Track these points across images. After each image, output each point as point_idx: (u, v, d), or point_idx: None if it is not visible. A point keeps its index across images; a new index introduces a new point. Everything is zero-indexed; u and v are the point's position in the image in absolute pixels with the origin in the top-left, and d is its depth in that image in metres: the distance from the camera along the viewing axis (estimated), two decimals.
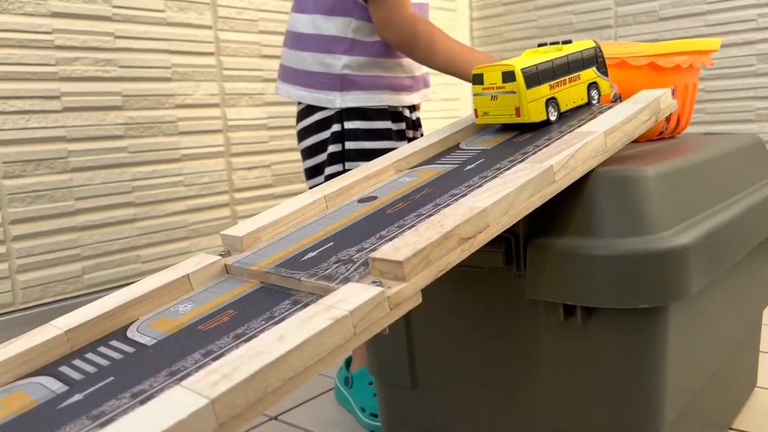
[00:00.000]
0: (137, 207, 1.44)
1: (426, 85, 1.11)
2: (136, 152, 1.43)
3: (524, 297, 0.64)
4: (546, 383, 0.67)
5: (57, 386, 0.44)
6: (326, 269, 0.52)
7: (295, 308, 0.49)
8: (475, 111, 0.78)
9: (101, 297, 0.51)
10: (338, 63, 0.99)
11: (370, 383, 1.05)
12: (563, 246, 0.61)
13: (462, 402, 0.76)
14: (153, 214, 1.46)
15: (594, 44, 0.81)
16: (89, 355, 0.48)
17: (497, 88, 0.76)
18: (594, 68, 0.81)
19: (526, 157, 0.65)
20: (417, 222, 0.57)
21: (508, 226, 0.54)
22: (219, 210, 1.59)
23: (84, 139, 1.34)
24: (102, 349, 0.49)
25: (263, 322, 0.47)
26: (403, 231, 0.55)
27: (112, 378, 0.44)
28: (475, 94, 0.78)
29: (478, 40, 2.38)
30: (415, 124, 1.11)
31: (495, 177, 0.61)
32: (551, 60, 0.77)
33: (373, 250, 0.53)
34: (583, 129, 0.67)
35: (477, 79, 0.77)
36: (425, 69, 1.08)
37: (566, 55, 0.78)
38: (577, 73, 0.79)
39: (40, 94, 1.28)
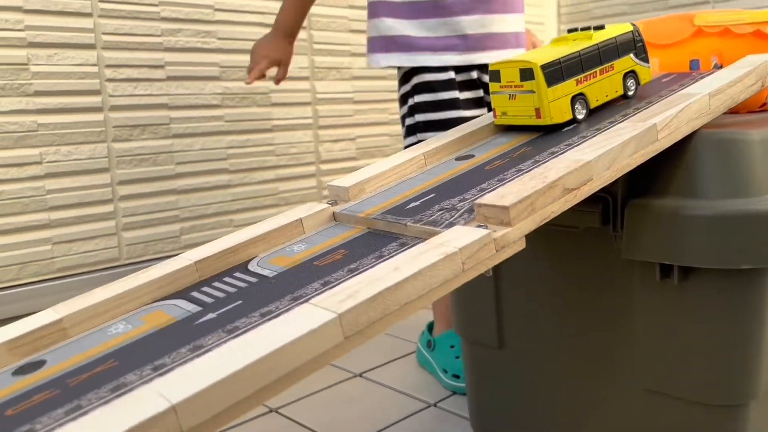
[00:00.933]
0: (231, 174, 1.51)
1: (499, 45, 1.07)
2: (231, 121, 1.50)
3: (620, 257, 0.65)
4: (638, 345, 0.68)
5: (191, 307, 0.49)
6: (430, 216, 0.55)
7: (403, 249, 0.52)
8: (493, 110, 0.74)
9: None
10: None
11: (452, 346, 1.08)
12: (663, 206, 0.61)
13: (550, 363, 0.77)
14: (245, 181, 1.54)
15: (631, 28, 0.74)
16: (216, 284, 0.53)
17: (515, 86, 0.69)
18: (631, 55, 0.73)
19: (627, 118, 0.65)
20: (517, 176, 0.59)
21: (610, 181, 0.56)
22: (306, 180, 1.65)
23: (185, 107, 1.42)
24: (227, 279, 0.53)
25: (374, 260, 0.51)
26: (504, 184, 0.57)
27: (240, 301, 0.48)
28: (492, 93, 0.73)
29: (565, 17, 2.33)
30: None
31: (595, 136, 0.62)
32: (578, 51, 0.69)
33: (475, 200, 0.56)
34: (685, 91, 0.66)
35: (493, 76, 0.72)
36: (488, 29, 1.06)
37: (597, 44, 0.71)
38: (610, 63, 0.72)
39: (146, 63, 1.36)
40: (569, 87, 0.69)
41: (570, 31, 0.75)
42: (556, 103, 0.68)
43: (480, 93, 1.08)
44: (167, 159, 1.41)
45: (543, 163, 0.60)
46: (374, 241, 0.55)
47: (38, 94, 1.23)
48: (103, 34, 1.30)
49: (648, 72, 0.75)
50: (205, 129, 1.46)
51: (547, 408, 0.79)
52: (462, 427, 0.92)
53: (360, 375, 1.10)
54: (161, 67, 1.38)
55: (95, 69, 1.29)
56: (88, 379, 0.41)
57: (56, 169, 1.26)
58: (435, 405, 1.00)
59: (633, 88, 0.74)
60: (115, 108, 1.32)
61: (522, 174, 0.59)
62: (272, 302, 0.47)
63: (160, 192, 1.40)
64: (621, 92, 0.73)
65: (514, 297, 0.79)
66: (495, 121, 0.74)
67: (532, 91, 0.67)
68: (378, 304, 0.41)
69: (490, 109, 1.08)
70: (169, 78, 1.39)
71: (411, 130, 1.07)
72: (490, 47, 1.06)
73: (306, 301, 0.45)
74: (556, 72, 0.68)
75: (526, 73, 0.68)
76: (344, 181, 0.64)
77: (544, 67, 0.67)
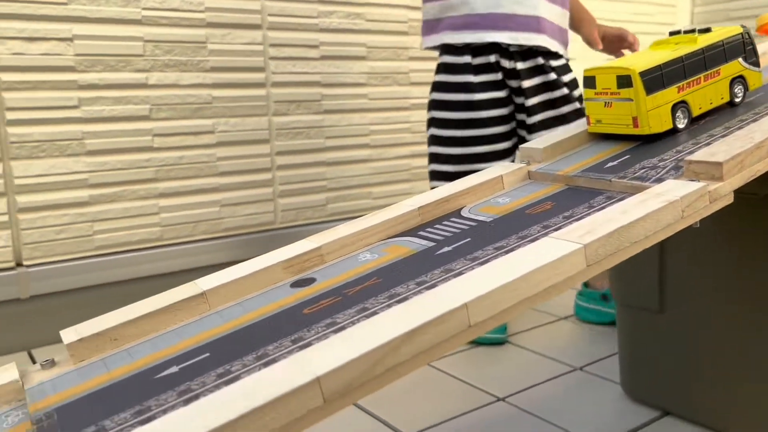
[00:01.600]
0: (372, 149, 1.60)
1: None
2: (374, 99, 1.59)
3: None
4: None
5: (424, 243, 0.57)
6: (634, 173, 0.60)
7: (611, 201, 0.57)
8: (587, 117, 0.71)
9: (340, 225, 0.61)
10: None
11: None
12: None
13: (711, 328, 0.80)
14: (383, 156, 1.63)
15: (741, 30, 0.70)
16: (438, 226, 0.60)
17: (611, 93, 0.66)
18: (740, 59, 0.70)
19: (730, 131, 0.65)
20: (711, 141, 0.62)
21: None
22: None
23: (335, 84, 1.52)
24: (446, 222, 0.61)
25: (585, 209, 0.57)
26: (700, 147, 0.62)
27: (469, 239, 0.55)
28: (586, 99, 0.70)
29: (699, 16, 2.27)
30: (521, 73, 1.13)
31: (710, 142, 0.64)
32: (681, 56, 0.66)
33: (674, 160, 0.60)
34: None
35: (588, 82, 0.69)
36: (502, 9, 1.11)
37: (702, 48, 0.67)
38: (716, 68, 0.68)
39: (304, 43, 1.47)
40: (670, 94, 0.66)
41: (672, 33, 0.72)
42: (655, 112, 0.65)
43: (499, 76, 1.13)
44: (318, 133, 1.51)
45: (734, 130, 0.63)
46: (578, 195, 0.61)
47: (213, 69, 1.36)
48: (269, 15, 1.41)
49: (758, 77, 0.71)
50: (351, 106, 1.55)
51: (707, 371, 0.82)
52: (611, 390, 0.97)
53: (507, 340, 1.16)
54: (316, 47, 1.49)
55: (261, 48, 1.41)
56: (361, 291, 0.49)
57: (225, 138, 1.39)
58: (581, 369, 1.05)
59: (740, 94, 0.71)
60: (276, 84, 1.44)
61: (716, 139, 0.63)
62: (500, 240, 0.54)
63: (311, 163, 1.51)
64: (727, 99, 0.70)
65: (679, 262, 0.83)
66: (588, 128, 0.71)
67: (630, 99, 0.64)
68: (614, 239, 0.47)
69: (510, 92, 1.15)
70: (323, 57, 1.50)
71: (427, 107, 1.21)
72: (505, 27, 1.10)
73: (533, 241, 0.52)
74: (656, 79, 0.64)
75: (624, 80, 0.64)
76: (537, 143, 0.70)
77: (643, 74, 0.64)
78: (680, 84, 0.66)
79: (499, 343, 1.15)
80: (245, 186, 1.43)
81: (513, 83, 1.14)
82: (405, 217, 0.61)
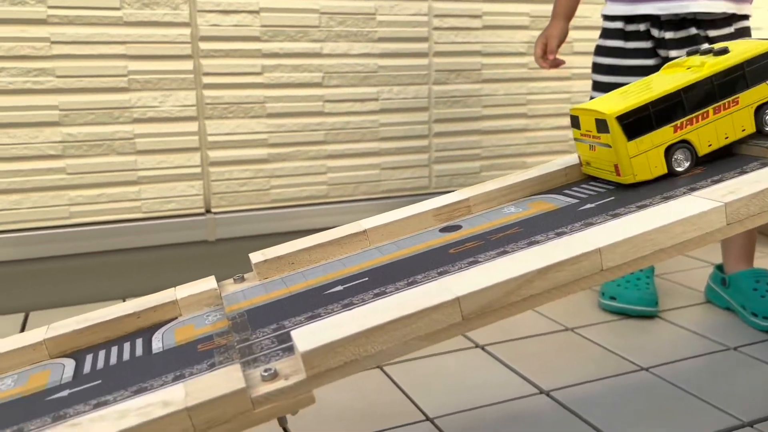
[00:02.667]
0: (529, 119, 1.61)
1: None
2: (534, 69, 1.59)
3: None
4: None
5: (568, 200, 0.60)
6: None
7: (764, 167, 0.57)
8: (579, 157, 0.65)
9: None
10: None
11: (755, 289, 1.08)
12: None
13: None
14: (541, 126, 1.63)
15: None
16: (584, 186, 0.63)
17: (593, 137, 0.60)
18: None
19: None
20: None
21: None
22: None
23: (495, 54, 1.55)
24: (592, 183, 0.63)
25: (736, 174, 0.56)
26: None
27: (612, 198, 0.58)
28: (574, 139, 0.64)
29: None
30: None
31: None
32: (679, 89, 0.57)
33: None
34: None
35: (573, 122, 0.63)
36: None
37: (710, 77, 0.58)
38: (733, 97, 0.58)
39: (467, 13, 1.51)
40: (662, 136, 0.58)
41: (690, 53, 0.63)
42: (641, 158, 0.58)
43: (648, 44, 1.13)
44: (476, 102, 1.55)
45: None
46: (733, 161, 0.60)
47: (381, 40, 1.44)
48: None
49: None
50: (510, 75, 1.57)
51: None
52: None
53: (659, 315, 1.15)
54: (479, 17, 1.52)
55: (425, 18, 1.47)
56: (502, 237, 0.54)
57: (388, 105, 1.48)
58: (735, 349, 1.01)
59: None
60: (438, 54, 1.50)
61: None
62: (644, 199, 0.56)
63: (467, 132, 1.56)
64: (752, 129, 0.60)
65: None
66: (582, 169, 0.66)
67: (609, 145, 0.58)
68: (758, 200, 0.47)
69: (661, 62, 1.11)
70: (485, 27, 1.53)
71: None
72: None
73: (679, 196, 0.53)
74: (641, 120, 0.57)
75: (601, 125, 0.58)
76: None
77: (621, 117, 0.57)
78: (679, 121, 0.58)
79: (650, 316, 1.13)
80: (403, 151, 1.51)
81: (662, 53, 1.14)
82: (551, 176, 0.64)
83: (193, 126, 1.33)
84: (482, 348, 1.04)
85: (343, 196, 1.48)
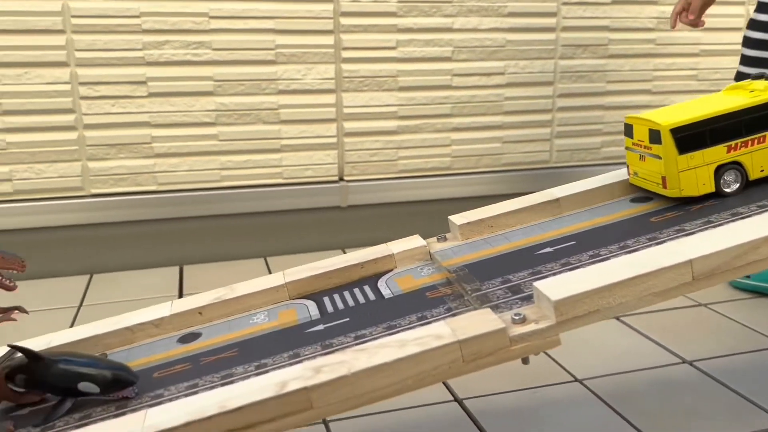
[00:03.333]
0: (653, 95, 1.60)
1: None
2: (662, 44, 1.58)
3: None
4: None
5: None
6: None
7: None
8: (628, 167, 0.64)
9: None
10: None
11: None
12: None
13: None
14: (666, 102, 1.61)
15: None
16: None
17: (644, 147, 0.60)
18: None
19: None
20: None
21: None
22: None
23: (623, 29, 1.54)
24: None
25: None
26: None
27: None
28: (626, 147, 0.64)
29: None
30: None
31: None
32: (737, 110, 0.56)
33: None
34: None
35: (627, 130, 0.63)
36: None
37: (755, 106, 0.57)
38: None
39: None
40: (715, 154, 0.58)
41: (756, 78, 0.62)
42: (690, 173, 0.58)
43: None
44: (600, 77, 1.56)
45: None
46: None
47: (510, 15, 1.47)
48: None
49: None
50: (637, 51, 1.56)
51: None
52: None
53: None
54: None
55: None
56: (703, 208, 0.57)
57: (513, 80, 1.51)
58: None
59: None
60: (565, 29, 1.51)
61: None
62: None
63: (590, 107, 1.57)
64: None
65: None
66: (629, 179, 0.65)
67: (659, 156, 0.58)
68: None
69: None
70: (614, 2, 1.52)
71: None
72: None
73: None
74: (695, 136, 0.57)
75: (655, 135, 0.58)
76: None
77: (676, 130, 0.57)
78: (733, 142, 0.57)
79: None
80: (526, 125, 1.54)
81: None
82: None
83: (331, 98, 1.40)
84: (617, 319, 1.07)
85: (466, 168, 1.52)
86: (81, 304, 1.18)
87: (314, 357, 0.48)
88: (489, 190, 1.53)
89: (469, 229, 0.63)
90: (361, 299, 0.57)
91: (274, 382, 0.43)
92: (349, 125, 1.42)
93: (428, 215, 1.50)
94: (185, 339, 0.56)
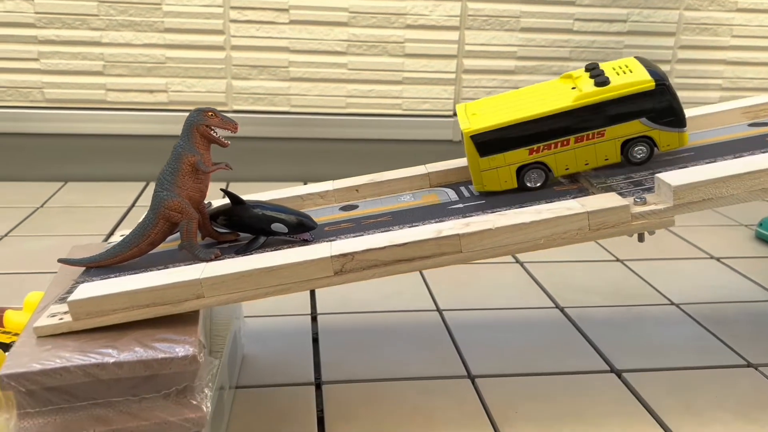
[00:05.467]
0: None
1: None
2: None
3: None
4: None
5: None
6: None
7: None
8: None
9: None
10: None
11: None
12: None
13: None
14: None
15: (652, 85, 0.58)
16: None
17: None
18: (644, 119, 0.59)
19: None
20: None
21: None
22: None
23: None
24: None
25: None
26: None
27: None
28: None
29: None
30: None
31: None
32: (543, 116, 0.58)
33: None
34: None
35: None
36: None
37: (578, 108, 0.58)
38: (599, 129, 0.59)
39: None
40: (517, 156, 0.60)
41: (589, 68, 0.62)
42: (492, 173, 0.61)
43: None
44: (725, 31, 1.54)
45: None
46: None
47: None
48: None
49: (675, 137, 0.60)
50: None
51: None
52: None
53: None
54: None
55: None
56: None
57: (635, 28, 1.52)
58: None
59: (640, 156, 0.60)
60: None
61: None
62: None
63: (711, 60, 1.56)
64: (615, 160, 0.61)
65: None
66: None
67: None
68: None
69: None
70: None
71: None
72: None
73: None
74: (496, 141, 0.60)
75: (464, 135, 0.61)
76: None
77: (476, 137, 0.60)
78: (536, 145, 0.60)
79: None
80: None
81: None
82: None
83: (454, 35, 1.48)
84: (719, 260, 1.11)
85: None
86: None
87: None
88: None
89: None
90: None
91: (432, 229, 0.53)
92: (468, 62, 1.50)
93: None
94: (345, 208, 0.68)
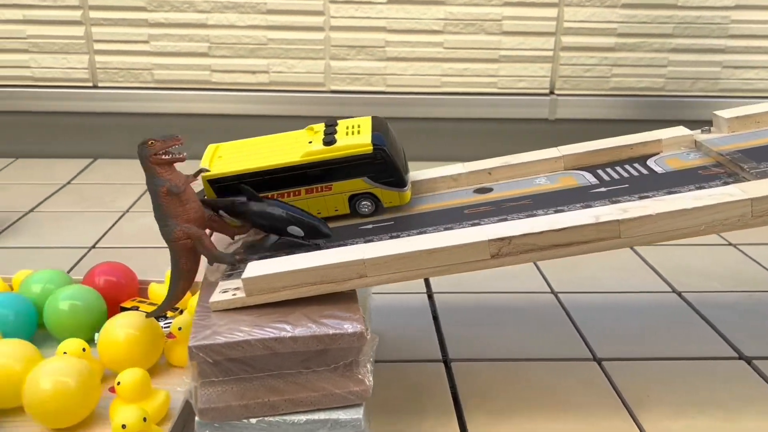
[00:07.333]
0: None
1: None
2: None
3: None
4: None
5: None
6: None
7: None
8: None
9: None
10: None
11: None
12: None
13: None
14: None
15: (370, 149, 0.61)
16: None
17: None
18: (366, 178, 0.63)
19: None
20: None
21: None
22: None
23: None
24: None
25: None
26: None
27: None
28: None
29: None
30: None
31: None
32: (274, 168, 0.62)
33: None
34: None
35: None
36: None
37: (305, 164, 0.62)
38: (326, 184, 0.63)
39: None
40: None
41: (327, 124, 0.66)
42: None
43: None
44: None
45: None
46: None
47: None
48: None
49: (396, 196, 0.65)
50: None
51: None
52: None
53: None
54: None
55: None
56: None
57: (742, 2, 1.45)
58: None
59: (366, 210, 0.65)
60: None
61: None
62: None
63: None
64: (345, 211, 0.65)
65: None
66: None
67: None
68: None
69: None
70: None
71: None
72: None
73: None
74: (232, 188, 0.62)
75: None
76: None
77: (213, 181, 0.63)
78: (268, 194, 0.63)
79: None
80: (750, 50, 1.49)
81: None
82: None
83: (553, 12, 1.45)
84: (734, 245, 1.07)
85: (679, 90, 1.52)
86: None
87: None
88: (702, 114, 1.52)
89: (738, 122, 0.68)
90: (634, 173, 0.66)
91: (590, 215, 0.53)
92: (566, 39, 1.47)
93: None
94: (480, 191, 0.69)
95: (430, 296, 0.91)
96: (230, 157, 0.66)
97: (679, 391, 0.70)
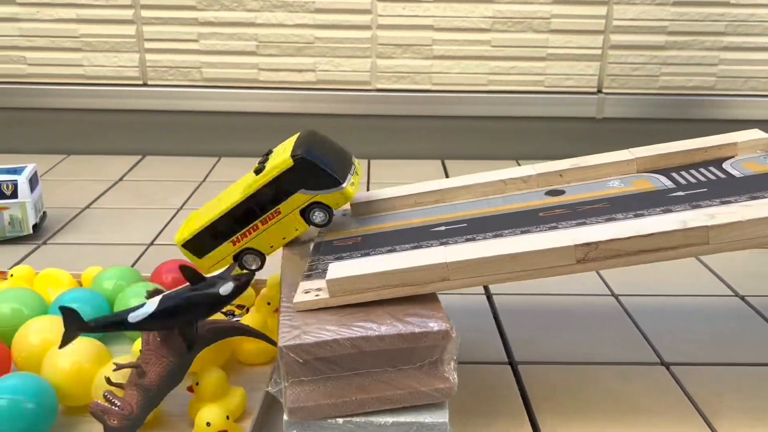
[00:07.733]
0: None
1: None
2: None
3: None
4: None
5: None
6: None
7: None
8: None
9: None
10: None
11: None
12: None
13: None
14: None
15: (290, 162, 0.62)
16: None
17: None
18: (303, 190, 0.63)
19: None
20: None
21: None
22: None
23: None
24: None
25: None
26: None
27: None
28: None
29: None
30: None
31: None
32: (225, 213, 0.65)
33: None
34: None
35: None
36: None
37: (248, 198, 0.64)
38: (274, 209, 0.64)
39: None
40: (225, 250, 0.66)
41: (264, 156, 0.68)
42: (219, 265, 0.67)
43: None
44: None
45: None
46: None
47: None
48: None
49: (338, 197, 0.64)
50: None
51: None
52: None
53: None
54: None
55: None
56: None
57: None
58: None
59: (321, 219, 0.65)
60: None
61: None
62: None
63: None
64: (304, 228, 0.66)
65: None
66: None
67: None
68: None
69: None
70: None
71: None
72: None
73: None
74: (203, 244, 0.66)
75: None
76: None
77: (186, 244, 0.67)
78: (235, 236, 0.66)
79: None
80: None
81: None
82: None
83: (602, 10, 1.43)
84: None
85: (730, 89, 1.49)
86: (368, 181, 1.38)
87: (685, 212, 0.57)
88: (755, 114, 1.49)
89: None
90: (711, 176, 0.65)
91: (677, 219, 0.53)
92: (615, 38, 1.45)
93: (686, 136, 1.50)
94: (551, 193, 0.68)
95: (489, 297, 0.90)
96: (197, 219, 0.69)
97: (753, 398, 0.69)
